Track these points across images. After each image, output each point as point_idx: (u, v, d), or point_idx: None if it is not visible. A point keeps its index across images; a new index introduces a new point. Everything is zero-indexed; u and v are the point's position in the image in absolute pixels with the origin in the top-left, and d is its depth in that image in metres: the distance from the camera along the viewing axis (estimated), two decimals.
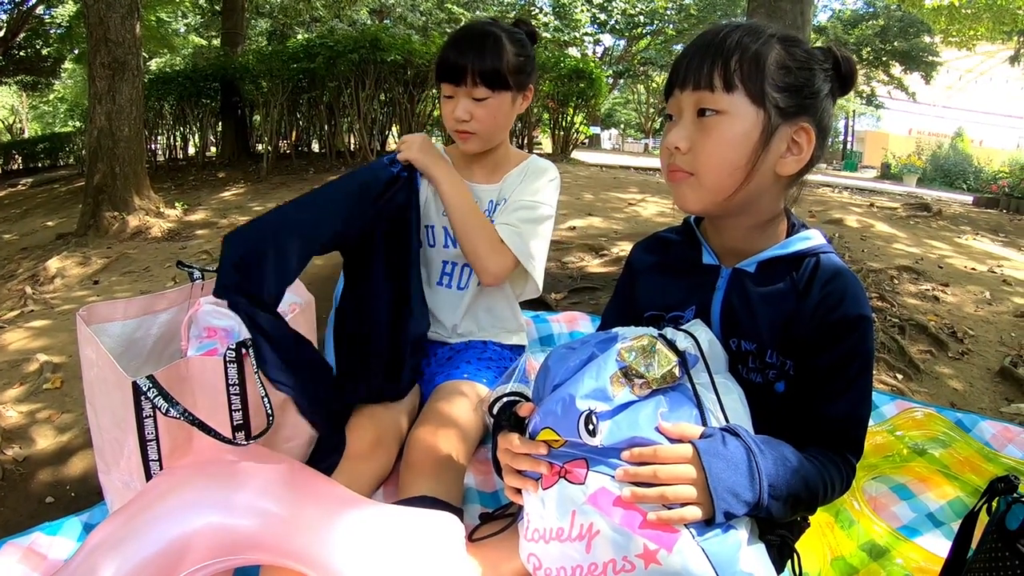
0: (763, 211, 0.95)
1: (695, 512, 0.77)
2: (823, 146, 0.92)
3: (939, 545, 1.32)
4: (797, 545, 0.96)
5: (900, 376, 2.46)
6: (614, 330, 0.91)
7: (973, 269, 3.91)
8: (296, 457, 1.19)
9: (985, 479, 1.48)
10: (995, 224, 5.87)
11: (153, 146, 9.96)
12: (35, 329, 3.12)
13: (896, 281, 3.47)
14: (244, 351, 1.04)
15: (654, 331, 0.88)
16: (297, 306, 1.35)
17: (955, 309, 3.18)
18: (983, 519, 0.94)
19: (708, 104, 0.87)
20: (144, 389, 0.96)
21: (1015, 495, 0.90)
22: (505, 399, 0.96)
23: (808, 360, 0.92)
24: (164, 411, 0.95)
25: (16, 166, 16.03)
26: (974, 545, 0.95)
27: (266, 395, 1.03)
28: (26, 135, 25.05)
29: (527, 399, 0.95)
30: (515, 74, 1.42)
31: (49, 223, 6.69)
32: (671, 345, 0.84)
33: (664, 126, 0.97)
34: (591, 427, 0.80)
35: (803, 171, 0.93)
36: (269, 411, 1.03)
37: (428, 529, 0.98)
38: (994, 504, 0.93)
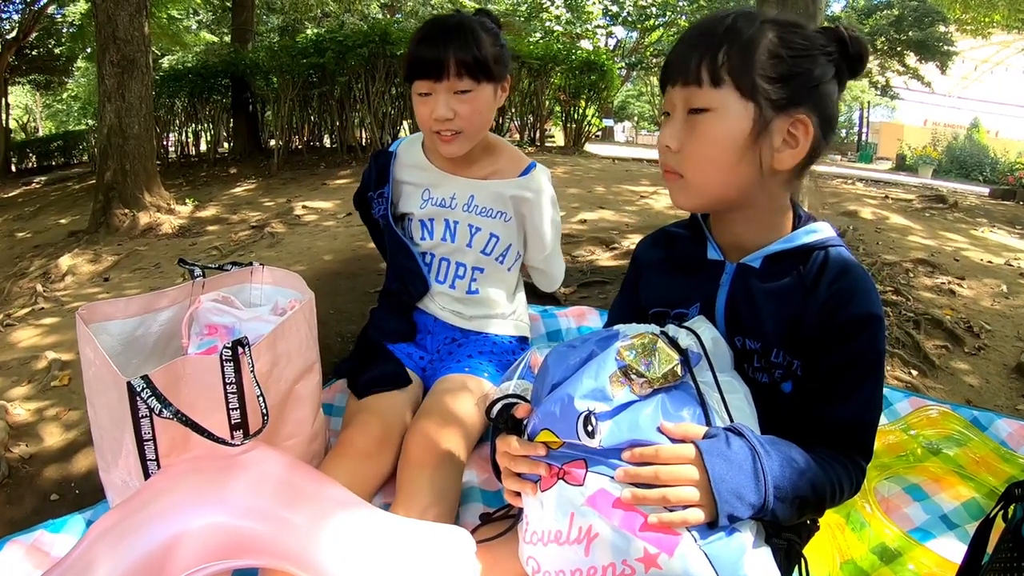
0: (765, 205, 0.92)
1: (697, 515, 0.74)
2: (829, 135, 0.88)
3: (952, 548, 1.28)
4: (806, 548, 0.93)
5: (915, 372, 2.42)
6: (615, 328, 0.89)
7: (990, 262, 3.84)
8: (297, 455, 1.17)
9: (1001, 480, 1.44)
10: (1011, 216, 5.77)
11: (165, 143, 10.01)
12: (45, 326, 3.13)
13: (911, 274, 3.41)
14: (240, 349, 1.02)
15: (655, 328, 0.85)
16: (297, 302, 1.33)
17: (971, 303, 3.13)
18: (999, 525, 0.91)
19: (697, 102, 0.84)
20: (138, 390, 0.95)
21: None
22: (503, 402, 0.94)
23: (815, 360, 0.89)
24: (158, 412, 0.93)
25: (30, 164, 16.19)
26: (990, 551, 0.92)
27: (261, 395, 1.02)
28: (40, 134, 25.25)
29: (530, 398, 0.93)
30: (495, 63, 1.35)
31: (62, 221, 6.72)
32: (673, 343, 0.81)
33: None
34: (590, 428, 0.78)
35: (808, 162, 0.89)
36: (264, 410, 1.02)
37: (437, 543, 0.96)
38: (1010, 510, 0.89)
